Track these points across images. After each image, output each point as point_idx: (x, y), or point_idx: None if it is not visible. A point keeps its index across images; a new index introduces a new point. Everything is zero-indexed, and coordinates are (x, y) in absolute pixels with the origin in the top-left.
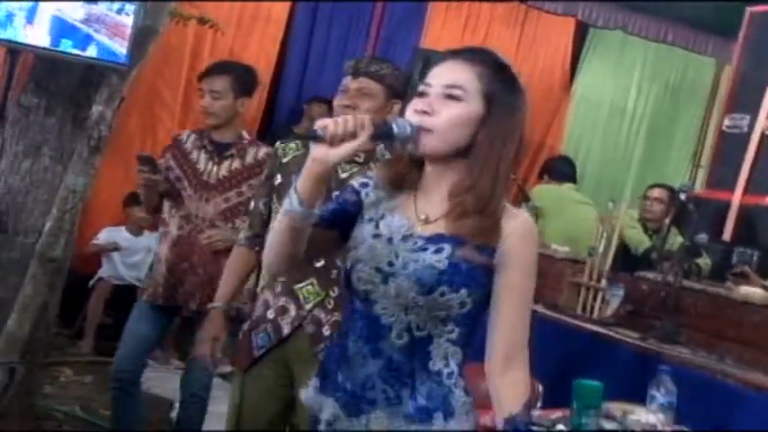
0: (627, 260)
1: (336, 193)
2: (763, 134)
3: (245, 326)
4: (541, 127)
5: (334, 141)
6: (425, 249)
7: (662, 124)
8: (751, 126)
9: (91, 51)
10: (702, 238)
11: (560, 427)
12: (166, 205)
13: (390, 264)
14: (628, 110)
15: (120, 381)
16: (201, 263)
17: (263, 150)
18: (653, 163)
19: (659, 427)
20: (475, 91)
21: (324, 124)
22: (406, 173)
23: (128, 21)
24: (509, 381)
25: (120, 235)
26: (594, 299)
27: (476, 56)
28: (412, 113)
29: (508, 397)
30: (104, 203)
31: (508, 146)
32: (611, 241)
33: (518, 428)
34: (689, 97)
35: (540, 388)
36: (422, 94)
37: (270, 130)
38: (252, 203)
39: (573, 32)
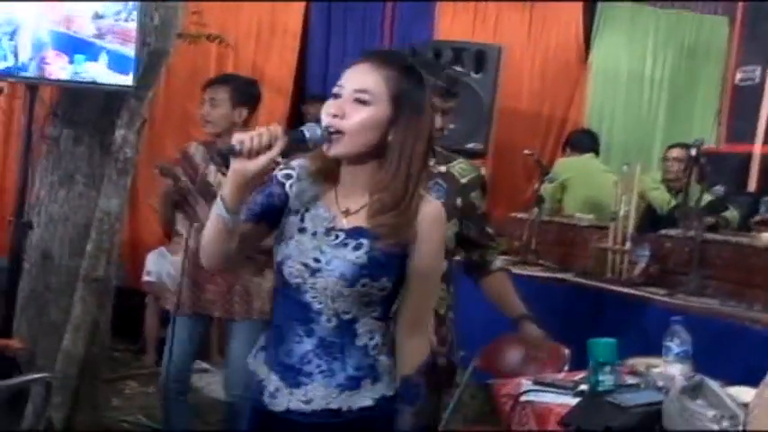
0: (654, 221)
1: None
2: None
3: None
4: (563, 102)
5: (251, 155)
6: (346, 245)
7: (682, 86)
8: (763, 77)
9: (102, 61)
10: (718, 190)
11: (583, 387)
12: (179, 218)
13: (316, 260)
14: (646, 76)
15: (169, 390)
16: (219, 272)
17: None
18: (677, 125)
19: (677, 377)
20: (382, 94)
21: (240, 139)
22: (328, 167)
23: (134, 26)
24: (412, 347)
25: (167, 260)
26: (621, 261)
27: (384, 59)
28: (325, 116)
29: (408, 360)
30: (148, 223)
31: (418, 144)
32: (631, 204)
33: (409, 386)
34: (705, 57)
35: (567, 352)
36: (335, 96)
37: None
38: None
39: (582, 7)
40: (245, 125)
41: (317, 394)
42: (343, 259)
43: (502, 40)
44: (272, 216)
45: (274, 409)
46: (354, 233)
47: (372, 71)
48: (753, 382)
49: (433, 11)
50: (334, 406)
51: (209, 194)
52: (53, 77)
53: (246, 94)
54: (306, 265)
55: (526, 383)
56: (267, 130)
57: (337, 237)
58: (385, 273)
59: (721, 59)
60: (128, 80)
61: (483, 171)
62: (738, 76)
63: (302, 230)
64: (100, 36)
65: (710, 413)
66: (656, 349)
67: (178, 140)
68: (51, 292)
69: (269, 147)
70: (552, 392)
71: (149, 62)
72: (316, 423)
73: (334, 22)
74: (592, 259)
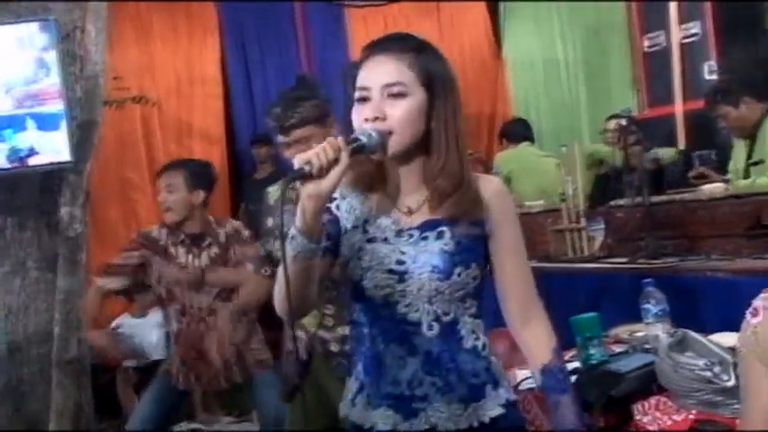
0: (607, 193)
1: None
2: (681, 44)
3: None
4: (488, 99)
5: (321, 173)
6: (426, 238)
7: (595, 62)
8: (667, 40)
9: (31, 127)
10: (655, 153)
11: (575, 364)
12: (160, 300)
13: (400, 262)
14: (560, 60)
15: None
16: (211, 348)
17: (229, 225)
18: (599, 99)
19: (661, 335)
20: (413, 82)
21: (306, 159)
22: (368, 174)
23: (50, 81)
24: (533, 332)
25: (127, 322)
26: (580, 239)
27: (400, 46)
28: (364, 122)
29: (537, 347)
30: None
31: (459, 122)
32: (578, 182)
33: (554, 375)
34: (610, 30)
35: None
36: (364, 99)
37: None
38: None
39: (487, 6)
40: (205, 207)
41: (440, 416)
42: (431, 251)
43: None
44: (334, 245)
45: None
46: (427, 226)
47: (395, 61)
48: (726, 327)
49: (345, 26)
50: (463, 425)
51: (197, 283)
52: None
53: (201, 175)
54: (391, 272)
55: (521, 373)
56: (329, 142)
57: (411, 235)
58: (473, 258)
59: (624, 30)
60: (60, 136)
61: None
62: (646, 43)
63: (371, 240)
64: (20, 106)
65: (701, 362)
66: (631, 315)
67: (120, 208)
68: (26, 384)
69: (336, 160)
70: None
71: (81, 135)
72: None
73: (252, 64)
74: (551, 243)
